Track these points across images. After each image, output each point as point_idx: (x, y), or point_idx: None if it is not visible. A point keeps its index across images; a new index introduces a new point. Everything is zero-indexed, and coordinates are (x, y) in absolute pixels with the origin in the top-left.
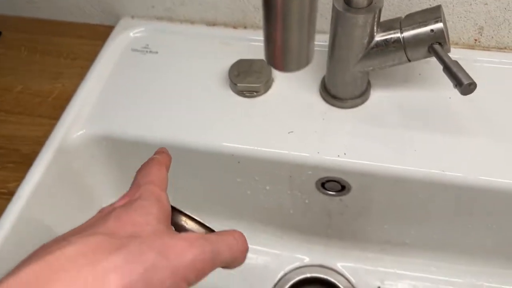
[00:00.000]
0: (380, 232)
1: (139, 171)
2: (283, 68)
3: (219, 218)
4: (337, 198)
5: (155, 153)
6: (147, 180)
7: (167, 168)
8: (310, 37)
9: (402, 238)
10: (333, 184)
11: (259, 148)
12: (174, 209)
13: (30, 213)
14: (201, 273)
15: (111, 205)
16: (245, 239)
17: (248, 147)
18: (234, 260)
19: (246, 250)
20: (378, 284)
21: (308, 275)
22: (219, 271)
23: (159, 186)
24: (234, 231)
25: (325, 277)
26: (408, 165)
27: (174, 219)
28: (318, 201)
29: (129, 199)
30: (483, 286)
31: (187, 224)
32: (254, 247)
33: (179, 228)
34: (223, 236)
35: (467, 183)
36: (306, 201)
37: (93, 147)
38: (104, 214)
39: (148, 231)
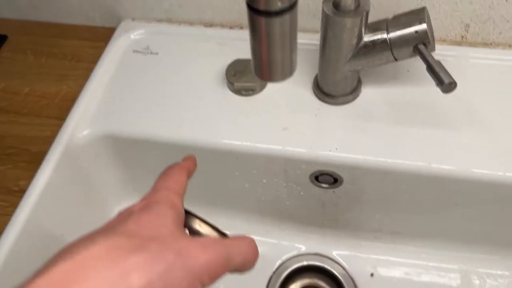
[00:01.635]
0: (373, 221)
1: (160, 175)
2: (269, 79)
3: (219, 209)
4: (330, 190)
5: (183, 159)
6: (165, 185)
7: (189, 174)
8: (293, 51)
9: (393, 226)
10: (326, 177)
11: (255, 145)
12: (188, 212)
13: (41, 209)
14: (215, 276)
15: (129, 207)
16: (256, 245)
17: (245, 143)
18: (245, 265)
19: (256, 256)
20: (372, 271)
21: (305, 263)
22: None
23: (176, 192)
24: (246, 237)
25: (321, 264)
26: (397, 159)
27: (188, 222)
28: (313, 193)
29: (146, 202)
30: (470, 272)
31: (200, 227)
32: (253, 237)
33: (193, 231)
34: (236, 242)
35: (453, 175)
36: (301, 193)
37: (98, 145)
38: (124, 217)
39: (165, 234)
